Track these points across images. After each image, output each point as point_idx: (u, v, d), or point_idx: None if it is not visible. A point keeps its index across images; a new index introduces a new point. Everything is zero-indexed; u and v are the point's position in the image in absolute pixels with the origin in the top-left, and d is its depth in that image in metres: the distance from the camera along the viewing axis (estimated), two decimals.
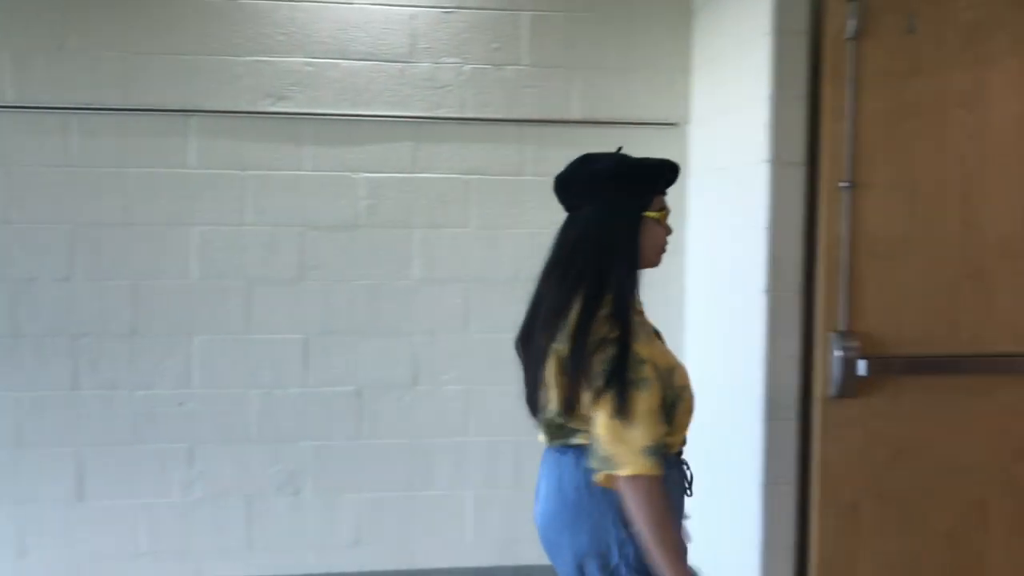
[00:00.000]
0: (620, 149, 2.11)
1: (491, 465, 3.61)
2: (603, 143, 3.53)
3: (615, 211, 1.99)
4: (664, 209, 2.05)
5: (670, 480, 1.95)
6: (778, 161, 2.90)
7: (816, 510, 2.91)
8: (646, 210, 2.01)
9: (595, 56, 3.54)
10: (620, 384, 1.81)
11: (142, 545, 3.46)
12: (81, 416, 3.40)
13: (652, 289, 3.58)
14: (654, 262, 2.07)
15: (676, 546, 1.84)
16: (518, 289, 3.55)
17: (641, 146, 3.55)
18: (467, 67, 3.50)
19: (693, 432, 3.49)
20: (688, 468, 2.11)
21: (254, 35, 3.40)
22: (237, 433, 3.48)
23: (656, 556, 1.83)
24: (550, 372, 1.95)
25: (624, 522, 1.90)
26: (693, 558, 3.65)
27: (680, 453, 2.07)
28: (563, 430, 1.97)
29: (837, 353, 2.83)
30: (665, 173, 2.05)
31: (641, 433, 1.81)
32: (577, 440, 1.95)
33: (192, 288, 3.43)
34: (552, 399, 1.95)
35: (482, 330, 3.56)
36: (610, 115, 3.56)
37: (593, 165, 2.05)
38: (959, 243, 2.90)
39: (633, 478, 1.81)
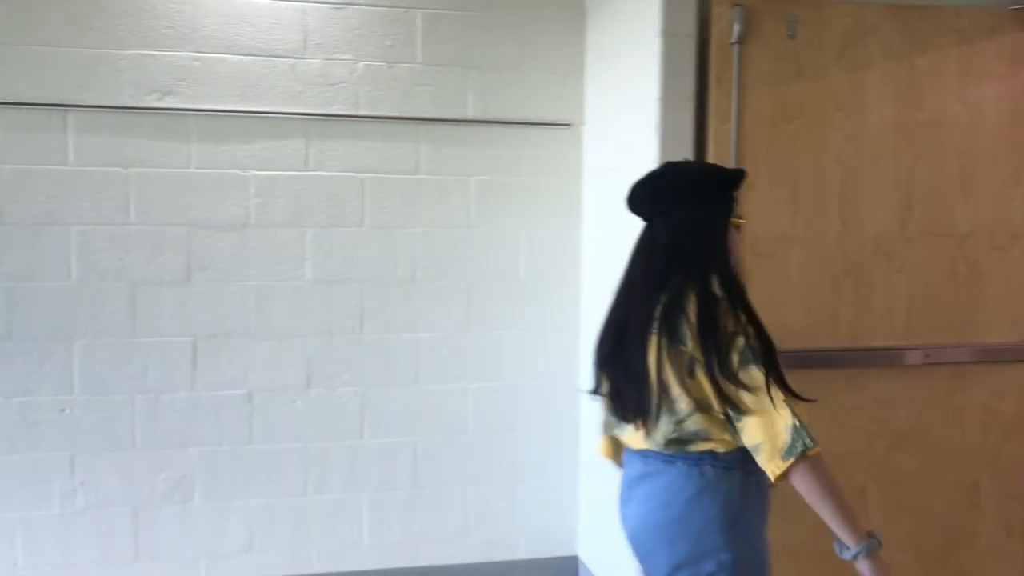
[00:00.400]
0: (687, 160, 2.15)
1: (387, 467, 3.57)
2: (498, 142, 3.56)
3: (712, 216, 2.03)
4: (740, 215, 2.10)
5: (760, 477, 1.93)
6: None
7: None
8: (732, 215, 2.06)
9: (490, 56, 3.55)
10: (773, 369, 1.85)
11: (19, 560, 3.30)
12: None
13: (549, 289, 3.65)
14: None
15: (853, 512, 1.86)
16: (414, 289, 3.56)
17: (536, 147, 3.60)
18: (360, 64, 3.46)
19: (591, 429, 3.54)
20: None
21: (137, 27, 3.28)
22: (122, 440, 3.35)
23: (842, 526, 1.84)
24: (671, 375, 1.92)
25: (728, 527, 1.91)
26: (583, 551, 3.71)
27: None
28: (683, 437, 1.94)
29: None
30: (740, 180, 2.10)
31: (802, 411, 1.84)
32: (694, 448, 1.93)
33: (72, 290, 3.29)
34: (680, 400, 1.92)
35: (377, 331, 3.53)
36: (505, 115, 3.57)
37: (683, 174, 2.10)
38: (838, 241, 3.02)
39: (818, 457, 1.82)
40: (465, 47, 3.53)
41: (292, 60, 3.40)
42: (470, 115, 3.55)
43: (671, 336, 1.92)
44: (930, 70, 3.05)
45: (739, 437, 1.88)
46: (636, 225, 3.12)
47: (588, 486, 3.67)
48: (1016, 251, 3.17)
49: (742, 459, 1.90)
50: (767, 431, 1.83)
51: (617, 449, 2.24)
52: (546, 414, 3.69)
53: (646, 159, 3.02)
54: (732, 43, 2.89)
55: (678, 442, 1.95)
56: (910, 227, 3.07)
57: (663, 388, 1.94)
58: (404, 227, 3.53)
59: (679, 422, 1.94)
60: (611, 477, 3.41)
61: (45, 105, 3.22)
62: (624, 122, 3.24)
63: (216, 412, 3.42)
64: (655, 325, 1.94)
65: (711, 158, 2.92)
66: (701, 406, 1.91)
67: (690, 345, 1.90)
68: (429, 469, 3.62)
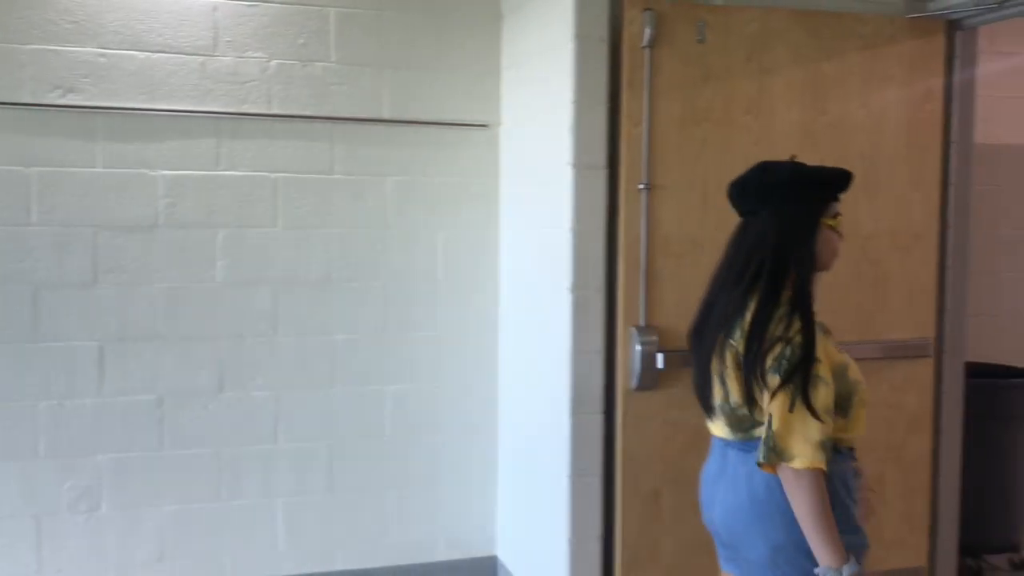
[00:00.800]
0: (794, 157, 2.15)
1: (303, 472, 3.52)
2: (415, 143, 3.55)
3: (793, 217, 2.06)
4: (838, 215, 2.11)
5: (843, 472, 2.04)
6: (581, 164, 2.98)
7: (620, 499, 3.02)
8: (822, 216, 2.08)
9: (406, 55, 3.53)
10: (800, 380, 1.91)
11: None
12: None
13: (467, 290, 3.64)
14: (829, 266, 2.14)
15: (836, 535, 1.92)
16: (329, 291, 3.52)
17: (453, 147, 3.59)
18: (273, 62, 3.40)
19: (508, 430, 3.55)
20: (856, 462, 2.13)
21: (39, 21, 3.17)
22: (24, 449, 3.24)
23: (816, 545, 1.92)
24: (725, 368, 2.05)
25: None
26: (502, 551, 3.71)
27: (853, 447, 2.11)
28: (745, 423, 2.05)
29: (637, 347, 2.95)
30: (839, 181, 2.12)
31: (816, 428, 1.91)
32: (759, 433, 2.00)
33: None
34: (732, 391, 2.05)
35: (291, 333, 3.48)
36: (422, 115, 3.56)
37: (770, 174, 2.12)
38: None
39: (803, 471, 1.90)
40: (380, 46, 3.50)
41: (202, 57, 3.33)
42: (386, 115, 3.53)
43: (728, 331, 2.04)
44: (834, 75, 3.13)
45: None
46: (550, 226, 3.15)
47: (506, 487, 3.67)
48: (917, 251, 3.28)
49: None
50: (782, 427, 1.92)
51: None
52: (464, 416, 3.69)
53: (561, 160, 3.04)
54: (643, 47, 2.93)
55: (743, 429, 2.07)
56: None
57: (720, 380, 2.07)
58: (319, 228, 3.49)
59: (733, 412, 2.06)
60: (530, 477, 3.43)
61: None
62: (540, 124, 3.26)
63: (125, 418, 3.33)
64: (726, 320, 2.05)
65: (624, 160, 2.96)
66: (748, 400, 2.01)
67: (741, 342, 2.01)
68: (346, 473, 3.58)
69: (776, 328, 1.97)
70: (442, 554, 3.69)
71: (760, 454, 1.95)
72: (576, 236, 3.00)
